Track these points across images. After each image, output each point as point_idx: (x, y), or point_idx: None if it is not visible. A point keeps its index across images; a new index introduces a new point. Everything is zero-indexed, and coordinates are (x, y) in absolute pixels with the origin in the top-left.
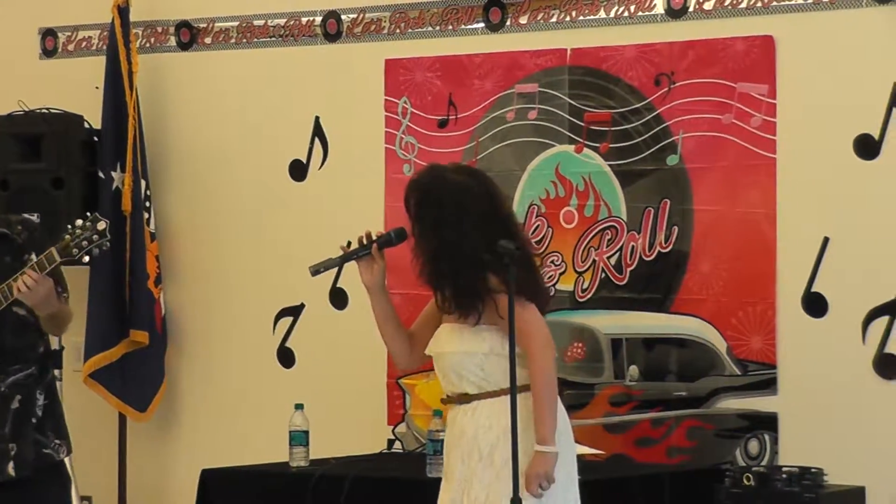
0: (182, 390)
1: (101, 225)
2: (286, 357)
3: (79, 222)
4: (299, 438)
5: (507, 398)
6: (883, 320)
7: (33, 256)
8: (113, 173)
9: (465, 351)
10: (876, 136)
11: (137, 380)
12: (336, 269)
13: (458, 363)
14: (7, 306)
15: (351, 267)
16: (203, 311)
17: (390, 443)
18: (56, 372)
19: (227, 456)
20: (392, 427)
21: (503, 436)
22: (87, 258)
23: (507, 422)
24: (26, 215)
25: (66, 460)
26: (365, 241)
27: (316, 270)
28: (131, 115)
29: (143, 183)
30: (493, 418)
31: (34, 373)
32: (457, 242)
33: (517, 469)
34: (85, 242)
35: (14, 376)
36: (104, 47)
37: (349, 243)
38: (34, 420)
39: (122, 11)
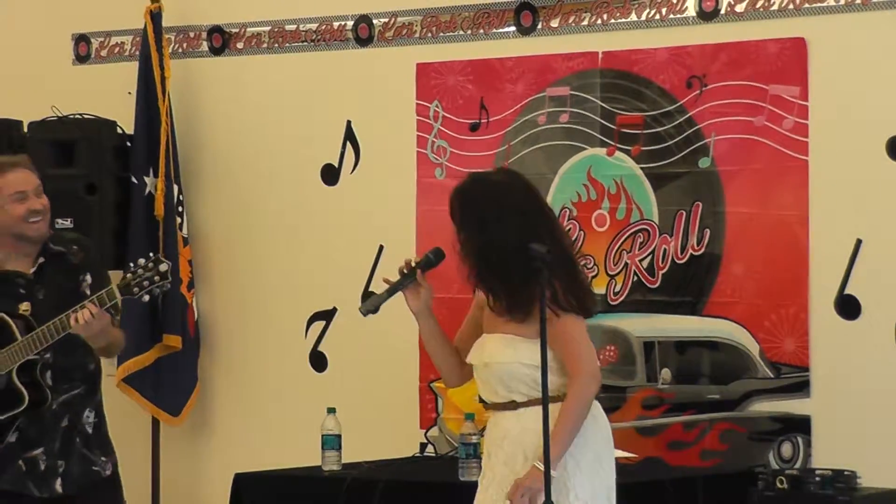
0: (215, 394)
1: (164, 267)
2: (318, 361)
3: (141, 261)
4: (332, 442)
5: (560, 405)
6: None
7: (88, 277)
8: (146, 178)
9: (519, 361)
10: None
11: (170, 384)
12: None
13: (509, 373)
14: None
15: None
16: (235, 315)
17: (422, 446)
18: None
19: (260, 460)
20: (424, 431)
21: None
22: (146, 297)
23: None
24: (80, 235)
25: (117, 472)
26: (406, 270)
27: (368, 311)
28: (164, 121)
29: (175, 188)
30: (540, 423)
31: (82, 392)
32: (502, 238)
33: (549, 475)
34: (146, 283)
35: (64, 395)
36: (137, 53)
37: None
38: (82, 438)
39: (155, 17)
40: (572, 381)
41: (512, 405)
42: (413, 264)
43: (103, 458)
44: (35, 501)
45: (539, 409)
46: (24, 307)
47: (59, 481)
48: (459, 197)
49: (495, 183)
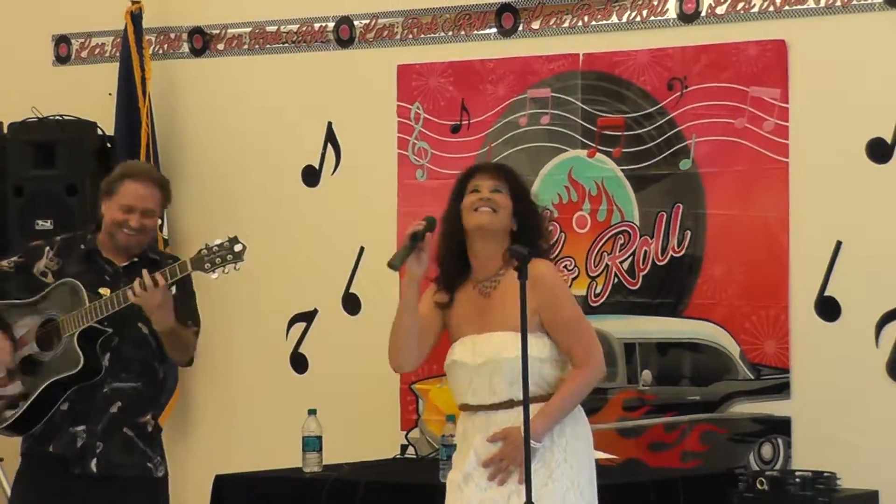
0: (195, 396)
1: (239, 247)
2: (299, 363)
3: (217, 240)
4: (313, 444)
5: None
6: None
7: (173, 290)
8: None
9: (530, 356)
10: (889, 139)
11: None
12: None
13: (515, 369)
14: (133, 322)
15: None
16: (216, 316)
17: (403, 448)
18: None
19: (241, 462)
20: (405, 432)
21: (556, 438)
22: (214, 274)
23: (559, 426)
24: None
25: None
26: (419, 229)
27: (395, 264)
28: (144, 122)
29: None
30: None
31: (142, 389)
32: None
33: (529, 471)
34: (219, 259)
35: (119, 383)
36: (117, 54)
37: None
38: (139, 433)
39: (135, 18)
40: (581, 368)
41: (508, 404)
42: (421, 228)
43: (159, 458)
44: (75, 477)
45: (535, 406)
46: (104, 291)
47: (94, 461)
48: (513, 171)
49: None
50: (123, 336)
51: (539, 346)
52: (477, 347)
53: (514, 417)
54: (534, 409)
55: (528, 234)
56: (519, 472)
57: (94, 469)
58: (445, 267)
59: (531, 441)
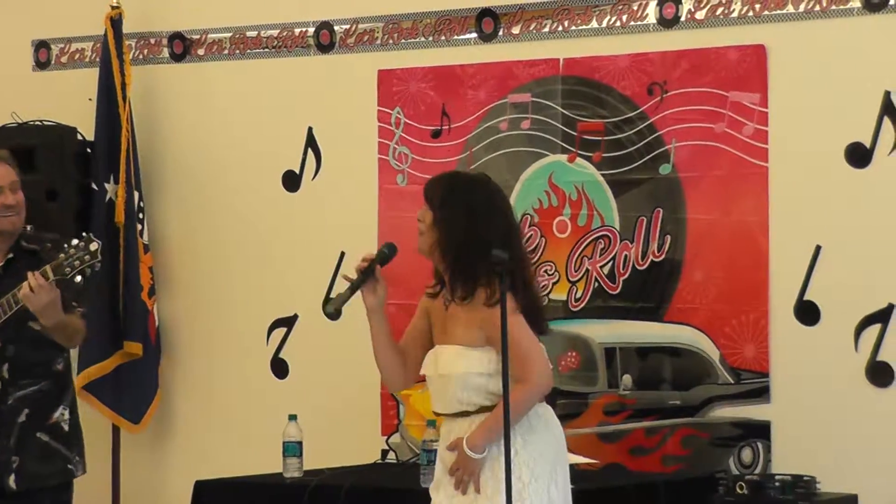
0: (176, 401)
1: (94, 246)
2: (280, 368)
3: (74, 241)
4: (293, 449)
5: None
6: (875, 328)
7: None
8: (106, 185)
9: (472, 371)
10: (868, 144)
11: (131, 391)
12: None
13: (464, 384)
14: (23, 321)
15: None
16: (197, 322)
17: (384, 453)
18: None
19: (221, 467)
20: (386, 437)
21: (502, 447)
22: (79, 278)
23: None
24: (59, 236)
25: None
26: (365, 267)
27: (335, 310)
28: (124, 127)
29: (136, 194)
30: None
31: (46, 388)
32: (485, 234)
33: (510, 483)
34: (77, 262)
35: (23, 390)
36: (97, 59)
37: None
38: (54, 435)
39: (116, 23)
40: (519, 384)
41: (463, 414)
42: (370, 261)
43: (77, 458)
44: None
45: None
46: None
47: (12, 477)
48: (453, 183)
49: (487, 182)
50: (18, 341)
51: (485, 361)
52: (438, 359)
53: (466, 426)
54: (480, 417)
55: (449, 244)
56: (475, 481)
57: (14, 486)
58: (436, 275)
59: (471, 453)
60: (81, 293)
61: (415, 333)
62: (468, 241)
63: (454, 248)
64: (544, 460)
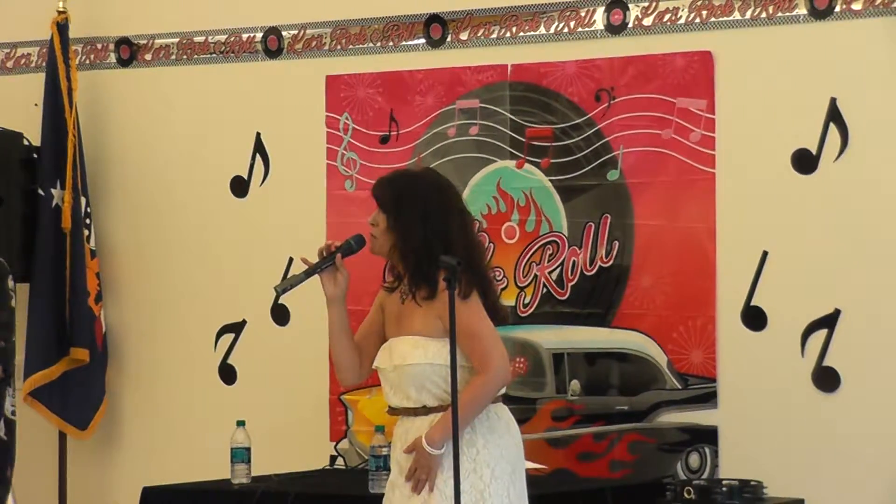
0: (123, 408)
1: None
2: (228, 374)
3: None
4: (241, 455)
5: None
6: (821, 334)
7: None
8: (53, 190)
9: (431, 362)
10: (814, 150)
11: (78, 398)
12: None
13: (421, 375)
14: None
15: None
16: (144, 328)
17: (333, 459)
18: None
19: (169, 473)
20: (334, 443)
21: (464, 448)
22: None
23: (468, 435)
24: None
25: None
26: (326, 253)
27: (283, 289)
28: (71, 132)
29: (83, 200)
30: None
31: None
32: (443, 232)
33: (458, 482)
34: None
35: None
36: (43, 64)
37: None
38: None
39: (62, 28)
40: (478, 376)
41: (423, 410)
42: (334, 248)
43: None
44: None
45: (439, 414)
46: None
47: None
48: (403, 185)
49: (435, 180)
50: None
51: (443, 352)
52: (392, 352)
53: (427, 423)
54: (437, 416)
55: (407, 248)
56: (431, 480)
57: None
58: (392, 270)
59: (430, 449)
60: (2, 326)
61: (371, 328)
62: (426, 243)
63: (413, 252)
64: (505, 461)
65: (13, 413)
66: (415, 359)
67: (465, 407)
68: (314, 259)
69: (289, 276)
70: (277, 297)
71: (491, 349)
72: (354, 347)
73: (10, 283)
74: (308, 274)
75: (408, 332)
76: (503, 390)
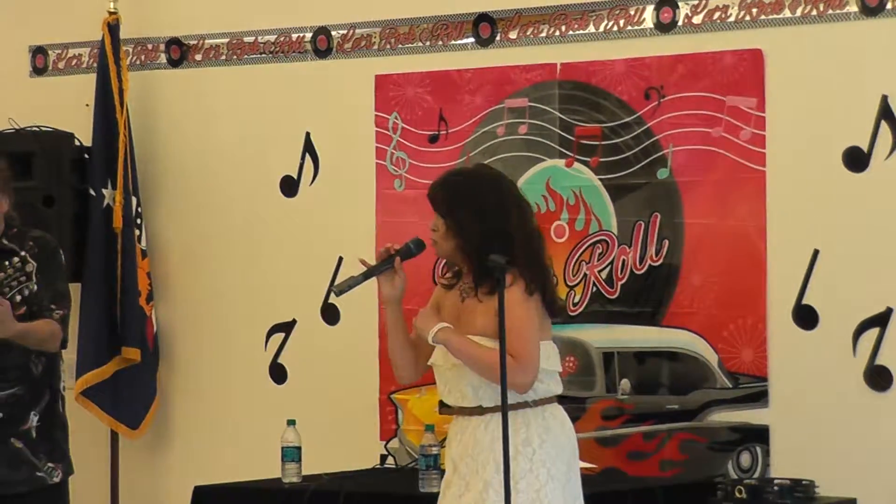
0: (174, 407)
1: (30, 267)
2: (278, 373)
3: (15, 259)
4: (292, 454)
5: (528, 411)
6: (873, 332)
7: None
8: (104, 191)
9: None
10: (865, 148)
11: (129, 397)
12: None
13: (478, 375)
14: None
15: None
16: (195, 327)
17: (383, 458)
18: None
19: (220, 472)
20: (384, 442)
21: (520, 447)
22: (19, 297)
23: (524, 434)
24: (45, 234)
25: (66, 481)
26: (385, 256)
27: (341, 290)
28: (122, 133)
29: (133, 200)
30: (511, 430)
31: (19, 392)
32: (502, 227)
33: (508, 483)
34: (14, 283)
35: None
36: (94, 65)
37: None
38: (24, 441)
39: (112, 29)
40: (516, 366)
41: (479, 410)
42: (393, 251)
43: (50, 465)
44: None
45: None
46: None
47: None
48: (456, 186)
49: (488, 174)
50: None
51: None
52: (446, 350)
53: (484, 424)
54: (497, 417)
55: (470, 247)
56: (481, 480)
57: None
58: (451, 268)
59: (432, 335)
60: (61, 295)
61: None
62: (486, 241)
63: (476, 250)
64: (561, 461)
65: (63, 388)
66: None
67: (486, 357)
68: (372, 260)
69: (347, 278)
70: (330, 297)
71: (526, 348)
72: (411, 346)
73: (62, 257)
74: (367, 276)
75: (468, 330)
76: (551, 391)
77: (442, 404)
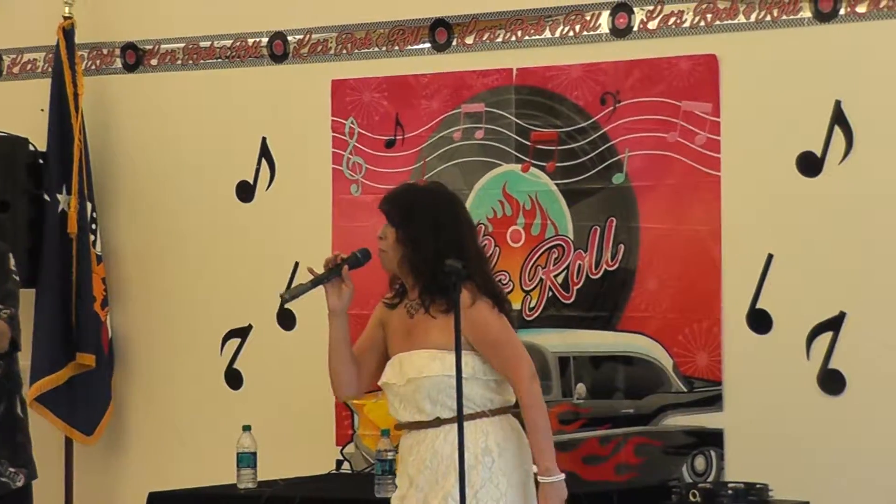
0: (129, 413)
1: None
2: (234, 378)
3: None
4: (247, 460)
5: (486, 420)
6: (826, 336)
7: None
8: (59, 196)
9: (447, 374)
10: (818, 153)
11: (84, 403)
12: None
13: (437, 387)
14: None
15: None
16: (150, 332)
17: (339, 463)
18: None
19: (175, 478)
20: (340, 447)
21: (480, 457)
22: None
23: (483, 444)
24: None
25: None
26: (332, 265)
27: (289, 298)
28: (77, 138)
29: (88, 205)
30: (470, 440)
31: None
32: (455, 243)
33: (464, 492)
34: None
35: None
36: (49, 69)
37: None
38: None
39: (68, 34)
40: (518, 385)
41: (436, 422)
42: (340, 260)
43: (12, 469)
44: None
45: (468, 425)
46: None
47: None
48: (413, 198)
49: (444, 192)
50: None
51: (464, 364)
52: (403, 367)
53: (443, 435)
54: (450, 427)
55: (419, 260)
56: (442, 490)
57: None
58: (393, 286)
59: (552, 478)
60: (8, 294)
61: (368, 343)
62: (439, 254)
63: (425, 264)
64: (521, 470)
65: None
66: (432, 371)
67: (538, 422)
68: (319, 269)
69: (294, 286)
70: (283, 304)
71: (519, 357)
72: (354, 360)
73: (12, 260)
74: (314, 284)
75: (422, 346)
76: (508, 401)
77: (398, 422)
